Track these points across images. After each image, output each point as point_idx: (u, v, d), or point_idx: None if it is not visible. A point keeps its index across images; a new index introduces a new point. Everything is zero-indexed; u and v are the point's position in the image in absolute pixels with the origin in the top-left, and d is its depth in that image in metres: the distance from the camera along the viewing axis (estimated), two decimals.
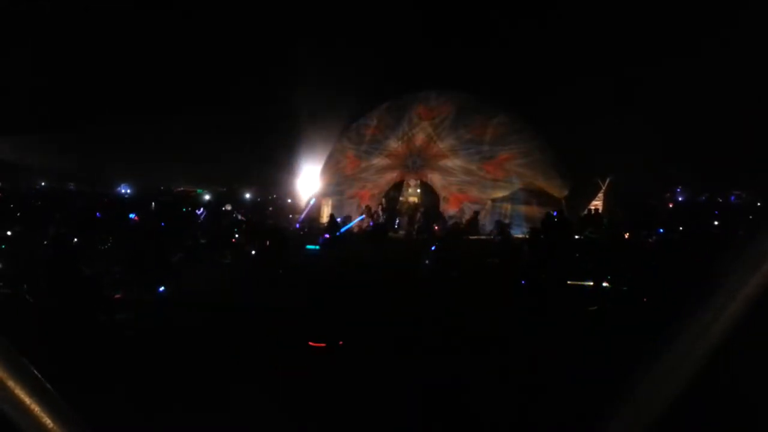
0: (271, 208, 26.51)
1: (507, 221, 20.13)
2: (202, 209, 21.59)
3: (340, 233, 19.53)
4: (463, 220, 21.79)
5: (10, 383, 0.76)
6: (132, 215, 19.30)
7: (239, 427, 4.57)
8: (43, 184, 43.13)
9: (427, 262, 14.03)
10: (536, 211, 20.95)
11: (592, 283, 10.06)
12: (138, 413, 4.52)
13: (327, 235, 18.58)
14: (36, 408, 0.77)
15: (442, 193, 23.52)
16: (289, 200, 28.37)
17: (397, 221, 23.40)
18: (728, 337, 0.76)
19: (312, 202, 24.82)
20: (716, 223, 20.54)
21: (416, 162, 23.97)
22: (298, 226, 22.05)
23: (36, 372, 0.79)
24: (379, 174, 24.45)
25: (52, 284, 7.53)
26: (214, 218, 19.73)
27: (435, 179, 23.70)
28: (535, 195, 22.15)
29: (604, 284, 9.92)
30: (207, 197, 29.37)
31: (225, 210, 23.83)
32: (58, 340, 6.32)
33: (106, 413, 4.00)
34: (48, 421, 0.77)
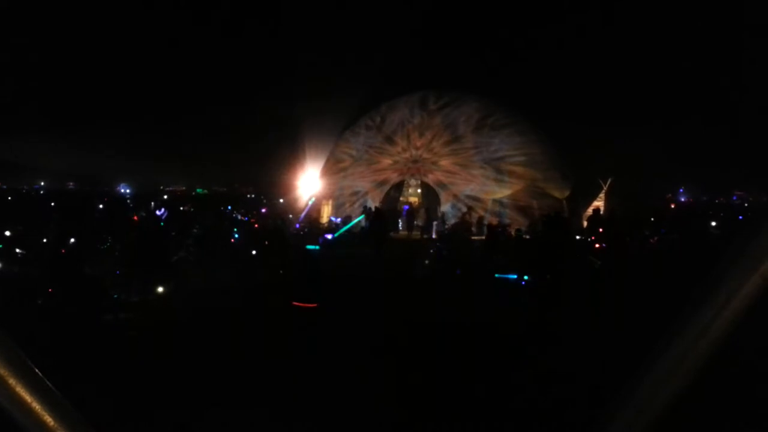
0: (245, 211, 25.97)
1: (507, 221, 20.12)
2: (163, 209, 21.05)
3: (340, 233, 19.54)
4: (464, 220, 21.78)
5: (12, 381, 0.76)
6: (132, 215, 19.25)
7: (238, 427, 4.58)
8: (42, 183, 43.23)
9: (427, 261, 14.13)
10: (536, 211, 20.94)
11: (515, 276, 10.87)
12: (139, 411, 4.53)
13: (327, 235, 18.59)
14: (37, 406, 0.77)
15: (442, 193, 23.52)
16: (281, 200, 28.25)
17: (405, 222, 23.42)
18: (728, 337, 0.76)
19: (311, 203, 24.81)
20: (713, 223, 20.54)
21: (416, 162, 23.96)
22: (297, 226, 22.03)
23: (37, 370, 0.79)
24: (379, 174, 24.44)
25: (56, 284, 7.53)
26: (175, 218, 19.19)
27: (435, 179, 23.70)
28: (536, 195, 22.14)
29: (526, 277, 10.61)
30: (165, 197, 29.08)
31: (184, 209, 23.57)
32: (61, 339, 6.33)
33: (107, 411, 4.01)
34: (49, 419, 0.78)
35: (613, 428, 0.79)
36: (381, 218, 17.18)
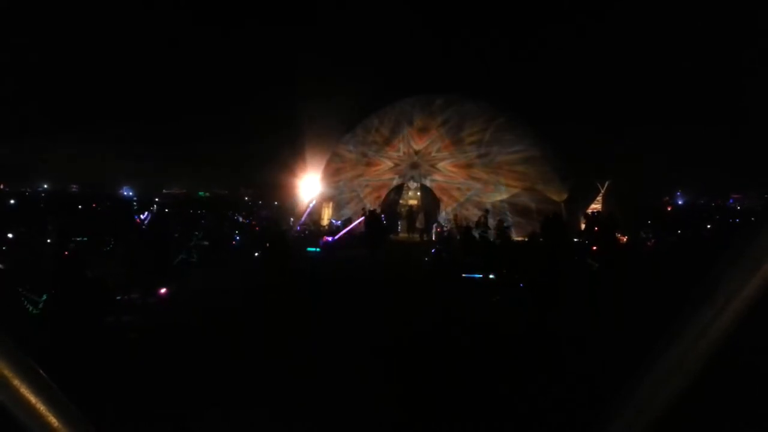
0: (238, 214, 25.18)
1: (507, 224, 20.13)
2: (147, 213, 20.38)
3: (340, 236, 19.54)
4: (462, 223, 21.80)
5: (16, 382, 0.76)
6: (134, 217, 19.20)
7: (238, 427, 4.58)
8: (45, 186, 43.26)
9: (426, 260, 14.19)
10: (535, 213, 20.96)
11: (481, 276, 11.55)
12: (140, 412, 4.53)
13: (327, 238, 18.60)
14: (41, 407, 0.77)
15: (442, 196, 23.54)
16: (276, 203, 28.14)
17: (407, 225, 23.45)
18: (728, 337, 0.77)
19: (312, 205, 24.82)
20: (708, 226, 20.55)
21: (416, 165, 23.99)
22: (299, 228, 22.04)
23: (41, 371, 0.79)
24: (379, 177, 24.47)
25: (58, 286, 7.53)
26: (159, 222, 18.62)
27: (434, 182, 23.72)
28: (534, 198, 22.17)
29: (491, 276, 11.24)
30: (157, 200, 28.70)
31: (170, 212, 23.21)
32: (64, 341, 6.33)
33: (110, 412, 4.01)
34: (53, 420, 0.78)
35: (613, 428, 0.80)
36: (375, 221, 17.09)
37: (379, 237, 16.60)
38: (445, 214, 22.92)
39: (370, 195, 24.23)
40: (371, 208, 20.94)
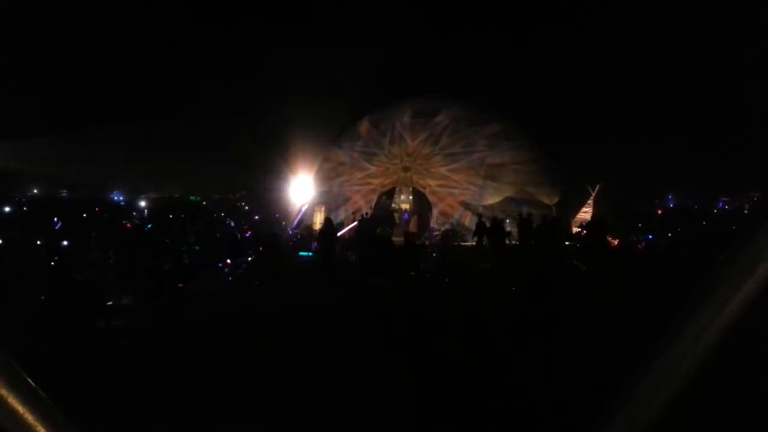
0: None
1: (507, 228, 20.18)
2: (57, 220, 17.22)
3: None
4: (455, 227, 21.87)
5: (3, 391, 0.75)
6: (125, 222, 19.07)
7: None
8: (35, 191, 42.80)
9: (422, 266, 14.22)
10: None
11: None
12: (132, 419, 4.49)
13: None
14: (29, 417, 0.76)
15: (434, 200, 23.59)
16: (268, 207, 27.92)
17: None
18: (727, 338, 0.77)
19: (304, 209, 24.77)
20: (697, 228, 20.69)
21: (408, 169, 24.04)
22: (291, 233, 21.99)
23: (29, 379, 0.78)
24: (371, 181, 24.49)
25: (49, 291, 7.46)
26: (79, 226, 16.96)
27: (427, 186, 23.77)
28: (525, 202, 22.26)
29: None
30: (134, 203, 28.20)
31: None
32: (53, 346, 6.26)
33: (100, 420, 3.96)
34: (42, 430, 0.76)
35: (613, 428, 0.79)
36: (331, 227, 16.31)
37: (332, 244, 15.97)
38: (440, 220, 22.96)
39: (363, 199, 24.24)
40: (365, 213, 20.92)
